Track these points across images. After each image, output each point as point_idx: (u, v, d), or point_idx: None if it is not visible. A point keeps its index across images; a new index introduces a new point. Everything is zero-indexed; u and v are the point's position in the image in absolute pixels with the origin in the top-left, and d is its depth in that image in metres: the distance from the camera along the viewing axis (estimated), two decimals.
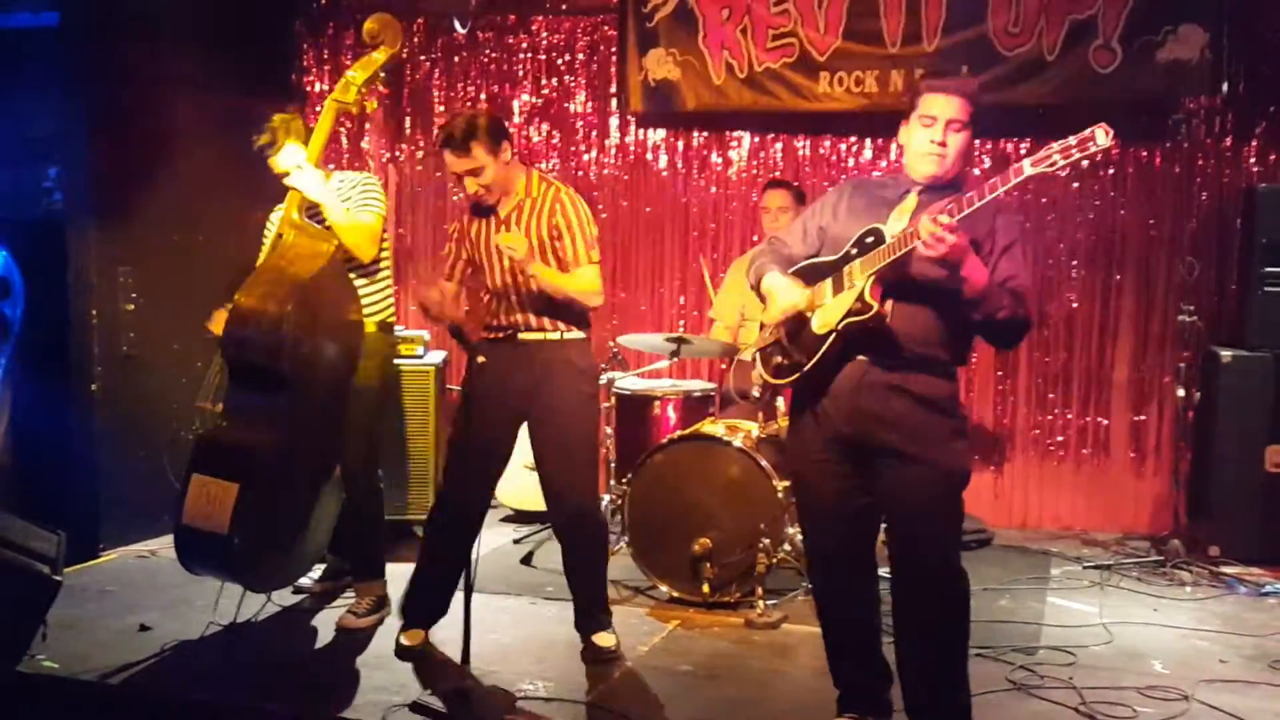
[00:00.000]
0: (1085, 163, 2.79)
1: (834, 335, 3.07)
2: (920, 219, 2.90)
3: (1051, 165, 2.79)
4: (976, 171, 5.60)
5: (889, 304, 3.01)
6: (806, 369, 3.14)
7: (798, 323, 3.18)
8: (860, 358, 3.09)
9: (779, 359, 3.28)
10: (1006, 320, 2.99)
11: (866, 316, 3.00)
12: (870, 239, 3.06)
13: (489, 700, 3.56)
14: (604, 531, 4.10)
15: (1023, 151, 5.81)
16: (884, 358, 3.07)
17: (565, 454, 3.88)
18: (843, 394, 3.11)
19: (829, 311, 3.10)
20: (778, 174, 6.08)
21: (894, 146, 5.98)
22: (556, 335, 3.87)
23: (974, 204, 2.86)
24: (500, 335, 3.91)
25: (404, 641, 3.94)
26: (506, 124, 4.03)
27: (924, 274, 2.99)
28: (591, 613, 3.96)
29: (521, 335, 3.87)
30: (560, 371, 3.86)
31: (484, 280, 3.94)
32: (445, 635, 3.96)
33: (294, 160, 4.04)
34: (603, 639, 3.92)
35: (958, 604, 3.12)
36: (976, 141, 5.78)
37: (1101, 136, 2.72)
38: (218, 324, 4.25)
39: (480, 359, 3.64)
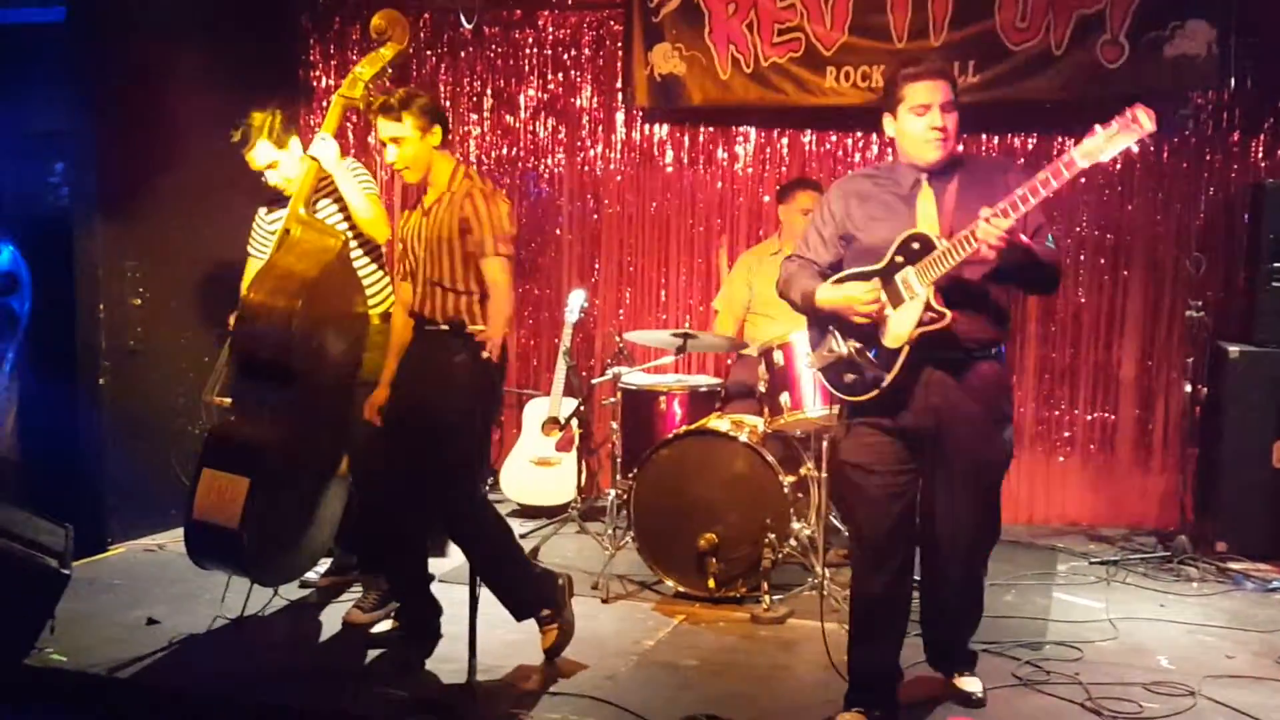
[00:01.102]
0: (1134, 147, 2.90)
1: (908, 346, 3.17)
2: (978, 224, 3.01)
3: (1101, 154, 2.91)
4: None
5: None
6: (887, 383, 3.22)
7: (867, 338, 3.26)
8: (925, 357, 3.21)
9: (851, 376, 3.31)
10: (1053, 272, 3.28)
11: (941, 324, 3.13)
12: (917, 245, 3.14)
13: (493, 696, 3.57)
14: (477, 525, 3.93)
15: (1030, 146, 5.81)
16: (945, 353, 3.21)
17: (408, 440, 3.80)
18: (907, 392, 3.23)
19: (898, 323, 3.18)
20: (784, 170, 6.08)
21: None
22: (446, 327, 3.77)
23: (1029, 201, 2.99)
24: (422, 327, 3.89)
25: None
26: (448, 115, 4.19)
27: (972, 268, 3.15)
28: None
29: (427, 328, 3.85)
30: (436, 362, 3.78)
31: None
32: (450, 630, 3.97)
33: (317, 144, 4.10)
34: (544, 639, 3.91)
35: (979, 594, 3.55)
36: (985, 137, 5.86)
37: (1145, 120, 2.84)
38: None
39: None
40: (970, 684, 3.58)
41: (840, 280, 3.29)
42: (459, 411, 3.72)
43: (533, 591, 3.91)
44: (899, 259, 3.17)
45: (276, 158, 4.22)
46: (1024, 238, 3.10)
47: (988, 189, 3.12)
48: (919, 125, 3.18)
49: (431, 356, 3.80)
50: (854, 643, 3.46)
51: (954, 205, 3.21)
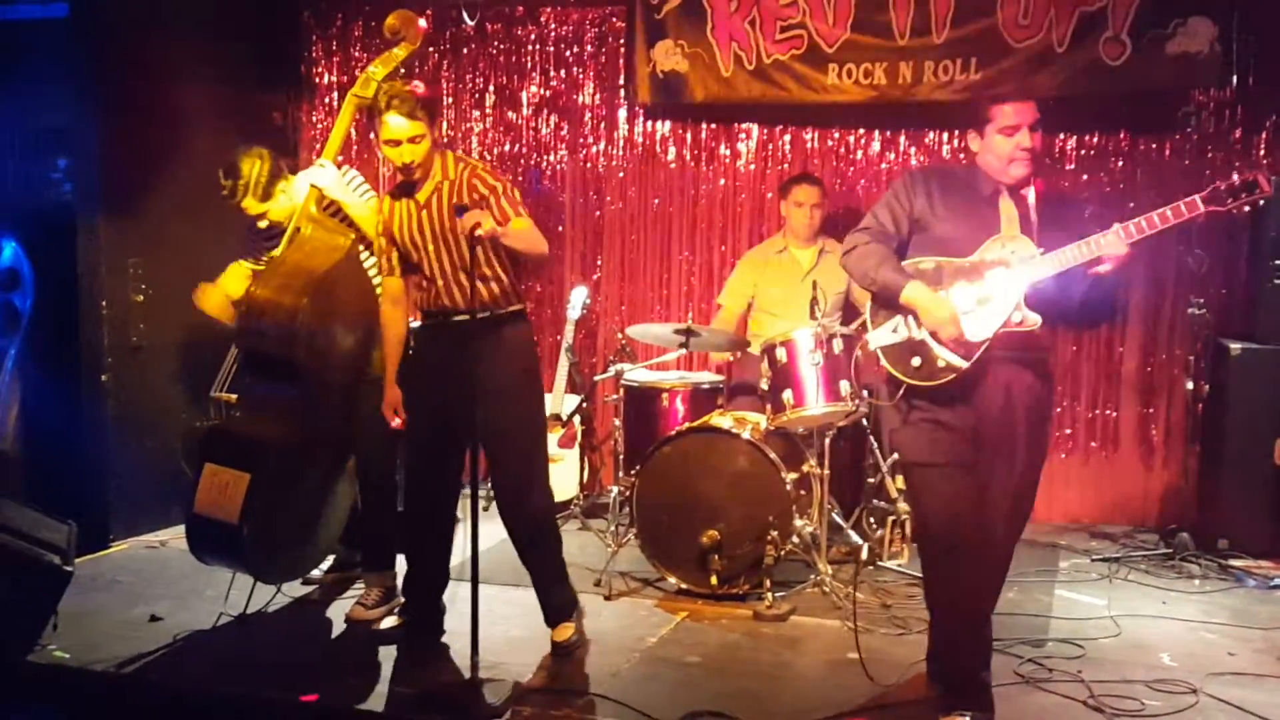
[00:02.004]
0: (1247, 208, 3.29)
1: (988, 343, 3.30)
2: (1106, 234, 3.23)
3: (1224, 207, 3.19)
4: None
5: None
6: (965, 370, 3.32)
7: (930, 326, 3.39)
8: (1002, 354, 3.34)
9: (917, 360, 3.38)
10: (1113, 308, 3.49)
11: (1027, 328, 3.31)
12: (1014, 248, 3.32)
13: (496, 692, 3.57)
14: (554, 525, 4.08)
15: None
16: (1015, 354, 3.35)
17: (506, 440, 3.86)
18: (975, 388, 3.35)
19: (981, 319, 3.32)
20: (786, 167, 6.08)
21: (902, 138, 5.97)
22: (486, 313, 3.82)
23: (1155, 226, 3.21)
24: (437, 319, 3.88)
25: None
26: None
27: (1057, 278, 3.31)
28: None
29: (456, 317, 3.82)
30: (497, 349, 3.81)
31: (415, 266, 3.89)
32: (453, 626, 3.98)
33: (316, 170, 4.14)
34: (562, 632, 3.96)
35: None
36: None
37: (1265, 184, 3.13)
38: (202, 298, 4.27)
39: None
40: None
41: (925, 270, 3.38)
42: (539, 397, 3.96)
43: (572, 592, 4.05)
44: (990, 257, 3.33)
45: (265, 209, 4.22)
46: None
47: (1061, 207, 3.36)
48: (1007, 145, 3.35)
49: (489, 349, 3.78)
50: (943, 648, 3.55)
51: (1034, 216, 3.38)
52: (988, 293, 3.32)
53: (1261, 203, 3.24)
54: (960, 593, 3.43)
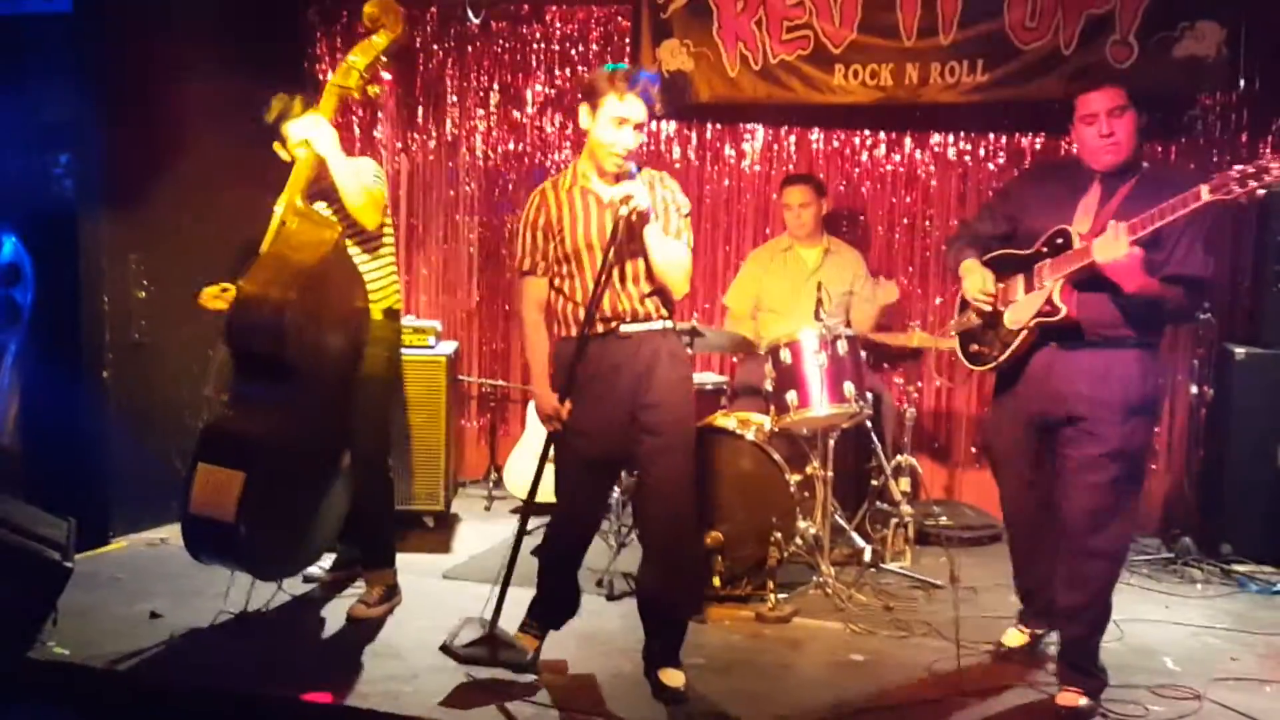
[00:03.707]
0: (1260, 194, 3.12)
1: (1025, 332, 3.47)
2: (1096, 240, 3.27)
3: (1228, 194, 3.08)
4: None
5: (1074, 301, 3.38)
6: (999, 361, 3.57)
7: (993, 314, 3.61)
8: (1051, 344, 3.47)
9: (975, 346, 3.70)
10: (1174, 310, 3.44)
11: (1056, 319, 3.40)
12: (1060, 240, 3.44)
13: (499, 692, 3.56)
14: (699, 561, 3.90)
15: (1038, 146, 5.80)
16: (1072, 342, 3.43)
17: (671, 458, 3.53)
18: (1034, 377, 3.52)
19: (1021, 309, 3.51)
20: (791, 168, 6.06)
21: (908, 140, 5.96)
22: (659, 325, 3.56)
23: (1152, 224, 3.20)
24: (605, 329, 3.52)
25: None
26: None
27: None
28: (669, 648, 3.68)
29: (625, 327, 3.53)
30: (664, 364, 3.53)
31: (579, 270, 3.55)
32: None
33: (309, 123, 4.03)
34: (672, 676, 3.61)
35: (1098, 565, 3.48)
36: (993, 136, 5.84)
37: (1276, 168, 3.05)
38: (207, 299, 4.26)
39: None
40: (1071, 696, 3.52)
41: (995, 258, 3.64)
42: (694, 412, 3.69)
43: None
44: (1044, 250, 3.47)
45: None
46: (1140, 270, 3.26)
47: (1154, 202, 3.22)
48: (1089, 133, 3.47)
49: (664, 366, 3.52)
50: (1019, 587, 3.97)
51: (1115, 209, 3.39)
52: (1034, 284, 3.49)
53: (1265, 191, 3.10)
54: (1016, 561, 3.93)
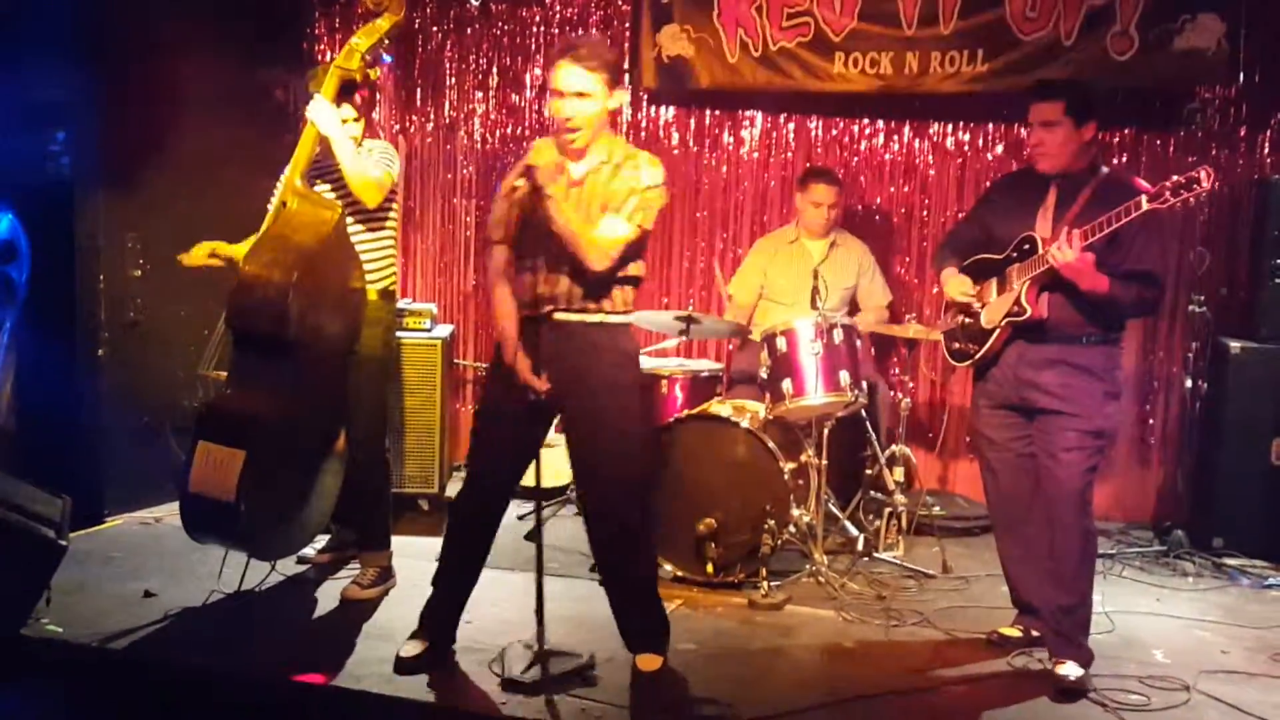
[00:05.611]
0: (1192, 201, 3.51)
1: (997, 331, 3.75)
2: (1053, 246, 3.53)
3: (1164, 203, 3.36)
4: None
5: (1044, 301, 3.63)
6: (976, 358, 3.84)
7: (970, 315, 3.87)
8: (1020, 340, 3.72)
9: (956, 345, 3.95)
10: (1134, 305, 3.68)
11: (1024, 318, 3.66)
12: (1027, 246, 3.70)
13: (488, 677, 3.56)
14: (650, 552, 3.84)
15: None
16: (1040, 338, 3.69)
17: (601, 456, 3.55)
18: (1007, 369, 3.78)
19: (994, 310, 3.78)
20: (790, 155, 6.05)
21: (907, 129, 5.96)
22: (597, 317, 3.48)
23: (1101, 230, 3.46)
24: (537, 312, 3.47)
25: (402, 653, 3.63)
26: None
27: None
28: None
29: (558, 315, 3.46)
30: (600, 358, 3.48)
31: (527, 246, 3.50)
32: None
33: (312, 104, 4.04)
34: (649, 661, 3.66)
35: (1084, 543, 3.69)
36: (992, 126, 5.83)
37: (1204, 179, 3.30)
38: (195, 257, 4.24)
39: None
40: (1067, 667, 3.66)
41: (971, 265, 3.90)
42: (635, 409, 3.59)
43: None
44: (1014, 254, 3.73)
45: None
46: (1095, 271, 3.52)
47: (1108, 209, 3.47)
48: (1030, 140, 3.76)
49: (602, 355, 3.48)
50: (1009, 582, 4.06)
51: (1074, 214, 3.63)
52: (1005, 286, 3.74)
53: (1201, 196, 3.53)
54: (1004, 559, 4.04)
